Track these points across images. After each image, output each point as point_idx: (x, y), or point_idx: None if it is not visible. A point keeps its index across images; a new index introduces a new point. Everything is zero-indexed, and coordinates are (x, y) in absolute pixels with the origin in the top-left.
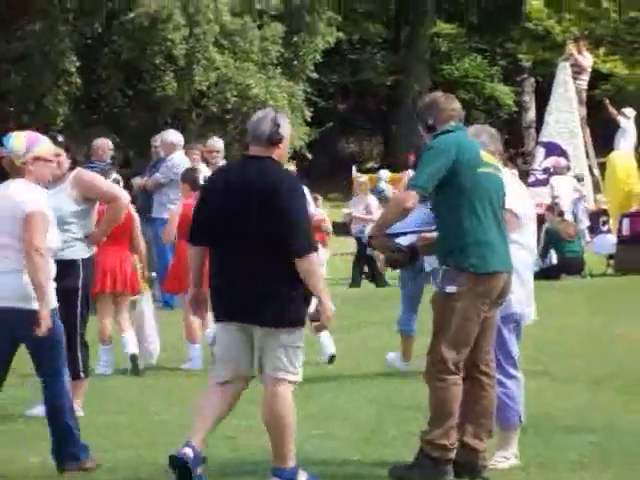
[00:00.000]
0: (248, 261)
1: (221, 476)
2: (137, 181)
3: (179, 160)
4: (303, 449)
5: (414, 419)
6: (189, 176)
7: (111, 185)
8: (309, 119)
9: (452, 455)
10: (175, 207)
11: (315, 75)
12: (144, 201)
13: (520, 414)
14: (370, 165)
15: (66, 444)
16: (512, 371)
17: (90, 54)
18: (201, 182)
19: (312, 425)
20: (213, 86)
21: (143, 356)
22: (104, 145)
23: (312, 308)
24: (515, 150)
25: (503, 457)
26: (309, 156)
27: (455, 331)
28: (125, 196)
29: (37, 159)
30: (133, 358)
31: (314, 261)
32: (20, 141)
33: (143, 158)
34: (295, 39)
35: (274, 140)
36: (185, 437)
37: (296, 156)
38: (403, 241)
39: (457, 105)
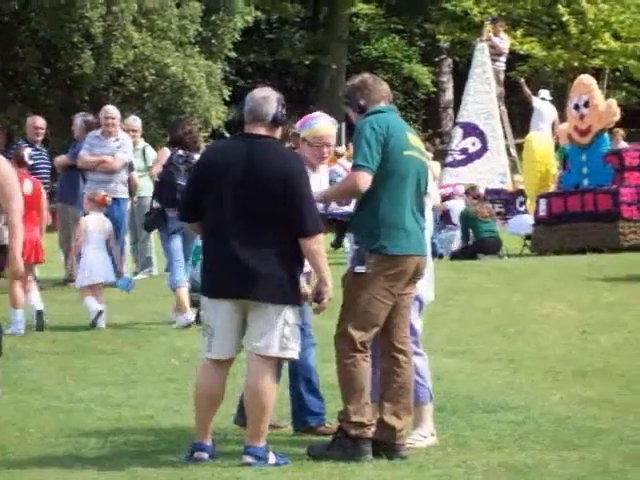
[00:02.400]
0: (253, 239)
1: (139, 456)
2: (59, 160)
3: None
4: (222, 427)
5: (333, 398)
6: (17, 154)
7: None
8: (228, 98)
9: (370, 433)
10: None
11: (234, 54)
12: (67, 180)
13: (430, 390)
14: (288, 145)
15: None
16: (416, 348)
17: (6, 31)
18: (26, 159)
19: (231, 404)
20: (131, 64)
21: None
22: (36, 123)
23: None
24: (433, 130)
25: (420, 435)
26: (227, 135)
27: (363, 311)
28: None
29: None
30: (39, 314)
31: (321, 241)
32: None
33: (61, 137)
34: (213, 18)
35: (280, 121)
36: (195, 437)
37: (215, 135)
38: (338, 212)
39: (386, 86)
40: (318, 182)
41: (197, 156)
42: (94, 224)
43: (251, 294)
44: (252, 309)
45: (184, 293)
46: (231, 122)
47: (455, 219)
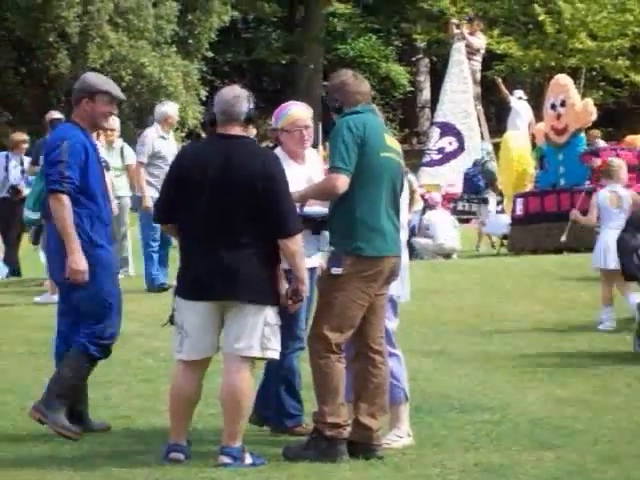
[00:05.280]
0: (233, 240)
1: (115, 456)
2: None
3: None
4: (197, 428)
5: (309, 399)
6: None
7: None
8: (204, 98)
9: (346, 434)
10: None
11: (210, 54)
12: None
13: (405, 391)
14: (265, 144)
15: None
16: (391, 349)
17: None
18: None
19: (206, 404)
20: (107, 64)
21: None
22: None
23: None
24: (410, 130)
25: (397, 436)
26: (204, 136)
27: (339, 313)
28: None
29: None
30: None
31: (300, 242)
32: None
33: (36, 136)
34: (190, 17)
35: (253, 118)
36: (170, 438)
37: (191, 135)
38: (312, 211)
39: (365, 87)
40: (303, 174)
41: None
42: None
43: (232, 295)
44: (231, 309)
45: None
46: (203, 124)
47: (433, 230)
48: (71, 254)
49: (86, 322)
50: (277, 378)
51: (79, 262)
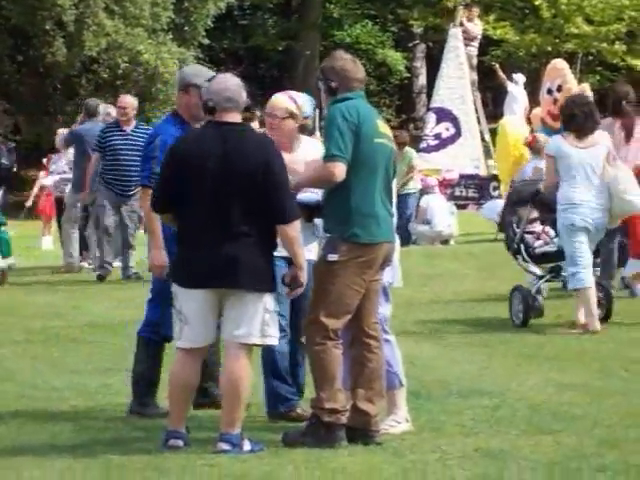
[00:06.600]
0: (231, 228)
1: (114, 444)
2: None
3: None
4: (196, 415)
5: (307, 385)
6: None
7: None
8: None
9: (344, 419)
10: None
11: (206, 41)
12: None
13: (399, 376)
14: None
15: None
16: (383, 335)
17: None
18: None
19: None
20: (103, 52)
21: None
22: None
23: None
24: (407, 116)
25: (395, 421)
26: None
27: (335, 299)
28: None
29: None
30: None
31: (298, 228)
32: None
33: (32, 124)
34: (186, 4)
35: (249, 106)
36: (169, 425)
37: None
38: (305, 198)
39: (362, 74)
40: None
41: None
42: None
43: (232, 283)
44: (230, 297)
45: None
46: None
47: (431, 216)
48: (151, 249)
49: (150, 314)
50: (264, 364)
51: (158, 258)
